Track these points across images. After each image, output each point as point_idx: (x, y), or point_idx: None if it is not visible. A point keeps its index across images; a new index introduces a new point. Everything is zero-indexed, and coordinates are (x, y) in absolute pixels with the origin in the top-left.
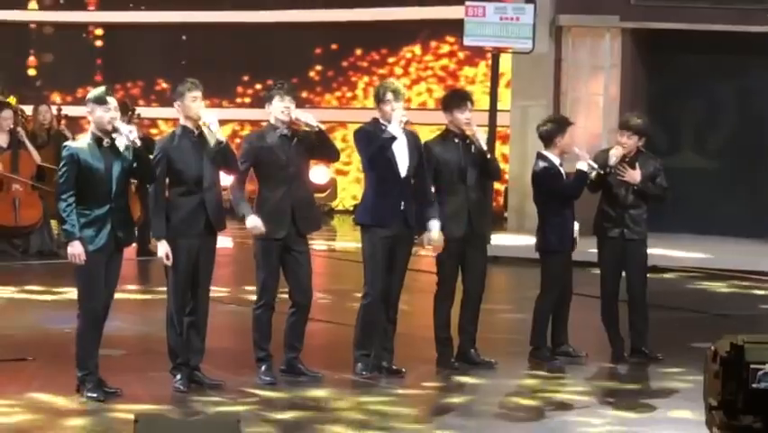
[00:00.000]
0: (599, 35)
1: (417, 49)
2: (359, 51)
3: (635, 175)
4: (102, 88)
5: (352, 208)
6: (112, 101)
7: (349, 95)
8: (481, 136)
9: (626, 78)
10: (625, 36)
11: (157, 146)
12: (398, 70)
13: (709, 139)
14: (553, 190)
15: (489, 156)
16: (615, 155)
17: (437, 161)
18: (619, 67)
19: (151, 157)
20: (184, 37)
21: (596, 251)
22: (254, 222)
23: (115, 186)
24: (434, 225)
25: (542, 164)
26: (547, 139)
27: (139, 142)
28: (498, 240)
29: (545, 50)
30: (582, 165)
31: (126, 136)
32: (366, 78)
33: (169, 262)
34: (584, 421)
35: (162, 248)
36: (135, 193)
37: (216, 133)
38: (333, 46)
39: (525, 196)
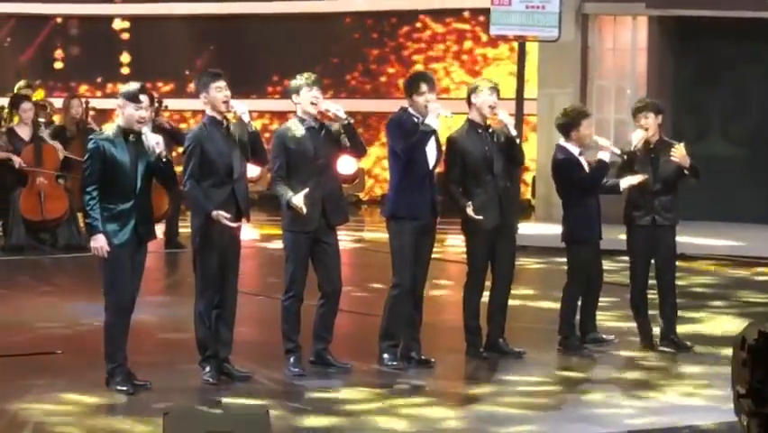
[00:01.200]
0: (625, 23)
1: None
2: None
3: (684, 155)
4: (136, 85)
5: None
6: (145, 99)
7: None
8: (509, 120)
9: (652, 66)
10: (651, 23)
11: (188, 137)
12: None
13: (737, 126)
14: (572, 181)
15: (517, 141)
16: (637, 138)
17: (463, 154)
18: (645, 54)
19: (182, 149)
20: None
21: (621, 238)
22: (299, 201)
23: (140, 182)
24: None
25: (560, 156)
26: (563, 132)
27: (164, 154)
28: (526, 229)
29: (571, 38)
30: (603, 155)
31: (153, 148)
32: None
33: (226, 220)
34: (613, 412)
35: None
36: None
37: (248, 122)
38: (356, 35)
39: (552, 185)
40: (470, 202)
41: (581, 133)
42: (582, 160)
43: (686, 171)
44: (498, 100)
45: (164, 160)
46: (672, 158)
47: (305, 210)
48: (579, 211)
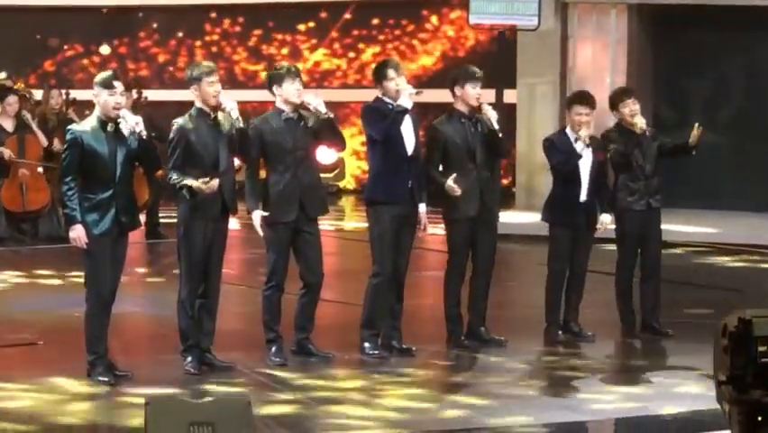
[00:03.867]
0: (605, 11)
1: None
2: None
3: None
4: (109, 72)
5: (359, 188)
6: (119, 85)
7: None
8: (493, 114)
9: (632, 54)
10: (631, 12)
11: (174, 129)
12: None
13: (718, 114)
14: (550, 163)
15: (500, 135)
16: (642, 122)
17: (445, 142)
18: (626, 43)
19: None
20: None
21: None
22: (257, 221)
23: (119, 170)
24: (422, 207)
25: (550, 136)
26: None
27: (144, 134)
28: (507, 217)
29: (551, 26)
30: (578, 146)
31: (132, 128)
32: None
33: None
34: (595, 398)
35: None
36: (143, 175)
37: (236, 117)
38: (348, 15)
39: (533, 173)
40: (453, 176)
41: (571, 118)
42: (578, 145)
43: (691, 151)
44: (481, 91)
45: (144, 138)
46: (691, 139)
47: (260, 232)
48: (558, 193)
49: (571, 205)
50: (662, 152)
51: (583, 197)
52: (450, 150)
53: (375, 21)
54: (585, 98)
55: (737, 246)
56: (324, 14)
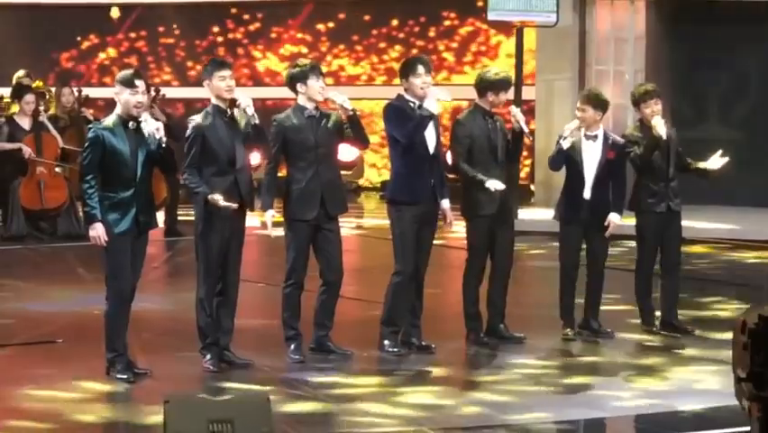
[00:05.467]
0: (624, 7)
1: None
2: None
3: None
4: (130, 70)
5: (379, 185)
6: (140, 84)
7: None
8: (521, 117)
9: (650, 50)
10: (649, 7)
11: (191, 125)
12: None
13: (735, 110)
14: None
15: (529, 139)
16: (662, 125)
17: (471, 138)
18: (644, 38)
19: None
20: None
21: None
22: (269, 219)
23: (140, 170)
24: (445, 203)
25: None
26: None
27: (165, 140)
28: (525, 214)
29: (570, 22)
30: (565, 143)
31: (153, 133)
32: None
33: (226, 206)
34: (614, 395)
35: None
36: (161, 174)
37: (252, 114)
38: (367, 17)
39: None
40: (484, 178)
41: (579, 115)
42: (584, 142)
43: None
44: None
45: (164, 146)
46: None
47: (271, 234)
48: (566, 190)
49: (576, 202)
50: (679, 166)
51: (587, 194)
52: (474, 146)
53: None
54: (583, 96)
55: (756, 242)
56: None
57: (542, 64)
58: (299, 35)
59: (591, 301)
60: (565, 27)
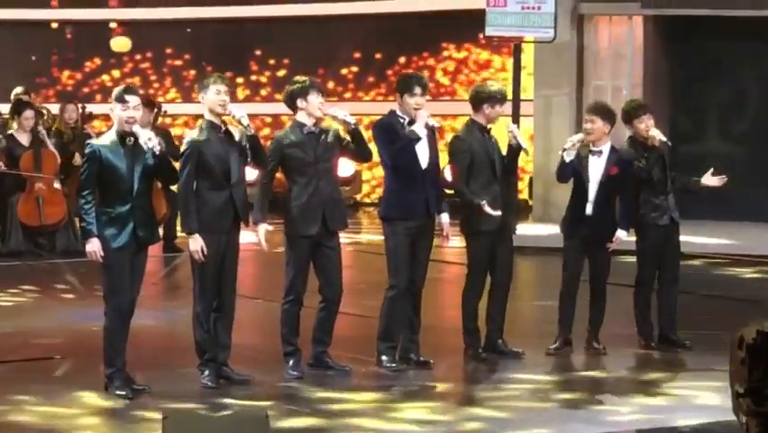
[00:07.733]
0: (621, 22)
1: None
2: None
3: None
4: (122, 86)
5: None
6: (132, 99)
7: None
8: (518, 133)
9: (648, 66)
10: (646, 23)
11: (186, 141)
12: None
13: (734, 125)
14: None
15: (528, 154)
16: (661, 136)
17: (471, 153)
18: (642, 54)
19: (181, 150)
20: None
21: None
22: (261, 234)
23: (137, 184)
24: (444, 217)
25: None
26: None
27: (158, 150)
28: (524, 230)
29: (567, 38)
30: (567, 155)
31: (145, 144)
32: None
33: (201, 258)
34: (612, 410)
35: (195, 243)
36: (161, 189)
37: (247, 125)
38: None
39: (549, 185)
40: (483, 201)
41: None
42: (591, 156)
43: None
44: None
45: (158, 154)
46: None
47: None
48: (570, 205)
49: (578, 217)
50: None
51: (590, 210)
52: (474, 162)
53: None
54: (592, 107)
55: (755, 258)
56: None
57: (539, 80)
58: None
59: (592, 320)
60: (563, 43)
